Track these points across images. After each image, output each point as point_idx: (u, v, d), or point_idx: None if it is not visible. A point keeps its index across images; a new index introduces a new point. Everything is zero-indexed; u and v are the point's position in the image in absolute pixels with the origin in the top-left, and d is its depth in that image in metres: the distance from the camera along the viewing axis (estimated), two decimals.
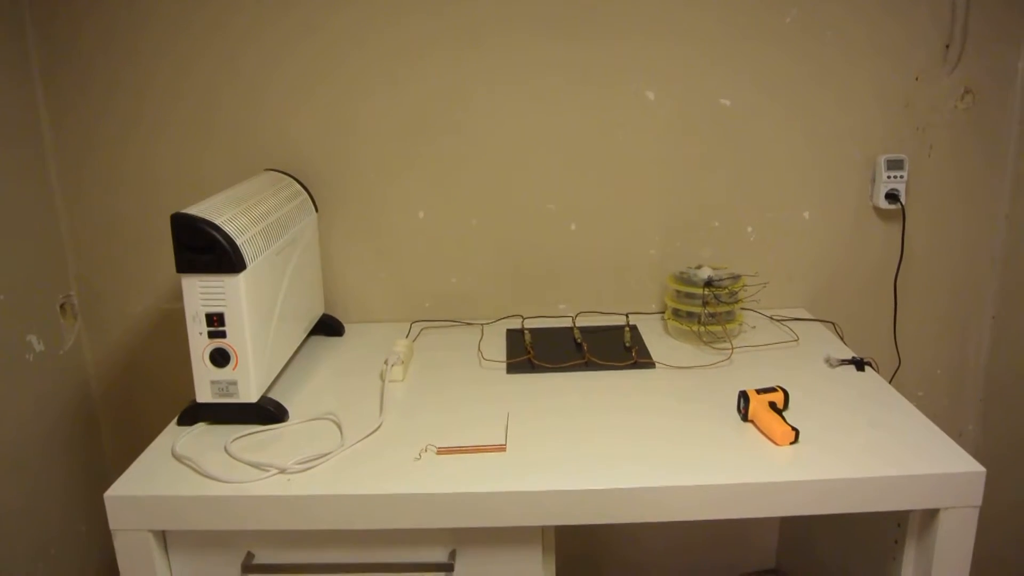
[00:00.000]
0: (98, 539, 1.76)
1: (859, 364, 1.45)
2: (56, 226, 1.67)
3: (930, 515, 1.14)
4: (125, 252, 1.71)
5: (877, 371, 1.44)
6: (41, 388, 1.61)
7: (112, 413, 1.81)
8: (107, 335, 1.76)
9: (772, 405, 1.24)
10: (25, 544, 1.55)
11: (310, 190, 1.64)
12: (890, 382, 1.68)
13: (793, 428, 1.18)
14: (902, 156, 1.66)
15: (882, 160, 1.66)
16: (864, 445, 1.18)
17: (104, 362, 1.78)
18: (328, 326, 1.68)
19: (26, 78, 1.58)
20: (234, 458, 1.18)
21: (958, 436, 1.86)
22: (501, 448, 1.19)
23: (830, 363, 1.46)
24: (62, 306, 1.68)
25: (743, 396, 1.26)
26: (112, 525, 1.11)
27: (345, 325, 1.71)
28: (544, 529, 1.15)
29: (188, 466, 1.17)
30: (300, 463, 1.15)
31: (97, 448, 1.80)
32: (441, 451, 1.19)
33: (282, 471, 1.14)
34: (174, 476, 1.15)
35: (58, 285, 1.67)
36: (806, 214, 1.72)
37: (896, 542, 1.21)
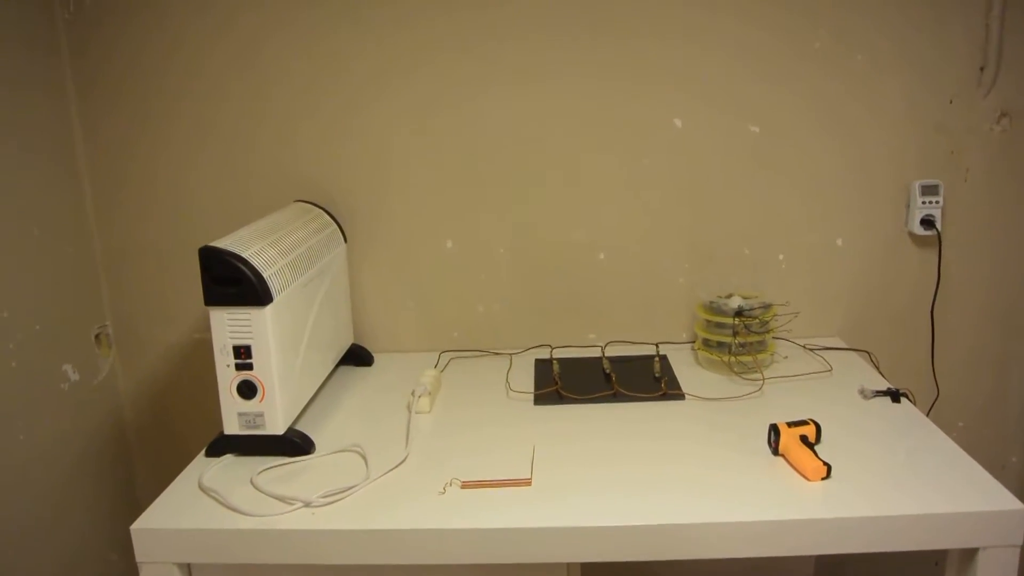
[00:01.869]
0: (129, 568, 1.77)
1: (895, 395, 1.41)
2: (92, 257, 1.70)
3: (969, 554, 1.10)
4: (158, 282, 1.73)
5: (914, 402, 1.41)
6: (76, 417, 1.64)
7: (145, 442, 1.83)
8: (140, 364, 1.78)
9: (803, 439, 1.21)
10: (57, 572, 1.57)
11: (339, 221, 1.65)
12: (928, 413, 1.64)
13: (825, 463, 1.15)
14: (937, 181, 1.63)
15: (916, 185, 1.63)
16: (899, 481, 1.14)
17: (137, 391, 1.80)
18: (357, 356, 1.68)
19: (64, 115, 1.62)
20: (260, 491, 1.19)
21: (1001, 468, 1.80)
22: (527, 482, 1.18)
23: (864, 394, 1.43)
24: (97, 336, 1.71)
25: (773, 429, 1.23)
26: (138, 557, 1.12)
27: (374, 355, 1.71)
28: (569, 566, 1.13)
29: (214, 499, 1.17)
30: (325, 496, 1.15)
31: (130, 476, 1.82)
32: (466, 485, 1.18)
33: (307, 504, 1.14)
34: (200, 509, 1.15)
35: (94, 315, 1.70)
36: (839, 241, 1.69)
37: None
